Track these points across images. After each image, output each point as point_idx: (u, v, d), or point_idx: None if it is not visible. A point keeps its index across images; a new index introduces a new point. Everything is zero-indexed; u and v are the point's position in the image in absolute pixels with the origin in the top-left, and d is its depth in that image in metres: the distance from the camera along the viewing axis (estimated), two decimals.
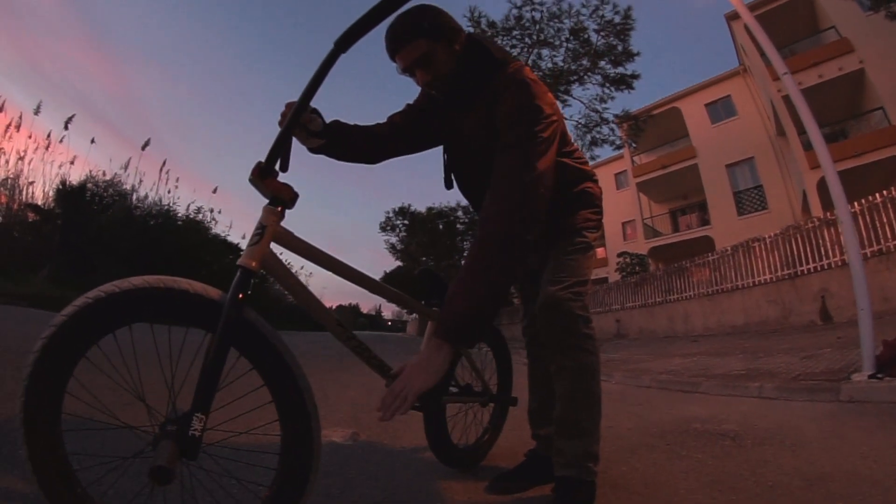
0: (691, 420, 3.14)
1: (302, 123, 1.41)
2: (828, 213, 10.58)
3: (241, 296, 1.06)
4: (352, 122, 1.67)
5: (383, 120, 1.79)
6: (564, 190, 1.68)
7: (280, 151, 1.18)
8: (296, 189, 1.19)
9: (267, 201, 1.17)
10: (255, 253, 1.11)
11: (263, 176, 1.15)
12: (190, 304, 1.03)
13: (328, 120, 1.55)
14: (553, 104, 1.44)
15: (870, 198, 9.31)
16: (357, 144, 1.64)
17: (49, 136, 12.01)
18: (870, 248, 8.89)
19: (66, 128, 12.22)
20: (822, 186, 14.31)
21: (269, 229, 1.14)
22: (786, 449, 2.33)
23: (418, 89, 1.66)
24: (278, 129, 1.25)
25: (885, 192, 9.12)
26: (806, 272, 10.55)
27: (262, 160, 1.16)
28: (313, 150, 1.54)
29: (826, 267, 10.10)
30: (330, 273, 1.39)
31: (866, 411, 3.11)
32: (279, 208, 1.17)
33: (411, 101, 1.81)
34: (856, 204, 9.12)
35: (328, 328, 1.35)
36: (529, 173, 1.29)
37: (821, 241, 10.29)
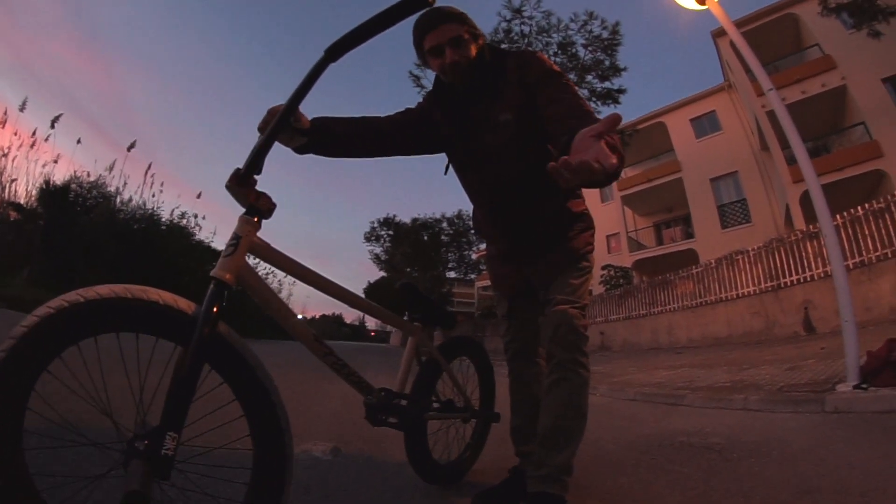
0: (677, 433, 3.11)
1: (289, 122, 1.36)
2: (810, 226, 10.75)
3: (215, 309, 1.02)
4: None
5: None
6: (568, 200, 1.74)
7: (261, 158, 1.14)
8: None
9: (243, 210, 1.14)
10: (230, 265, 1.07)
11: (241, 183, 1.11)
12: (161, 317, 0.99)
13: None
14: None
15: (852, 210, 9.49)
16: (347, 138, 1.58)
17: (35, 133, 11.70)
18: (852, 260, 9.04)
19: (52, 126, 11.88)
20: (805, 200, 14.54)
21: (244, 240, 1.10)
22: (772, 462, 2.31)
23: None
24: (258, 136, 1.22)
25: (866, 205, 9.30)
26: (789, 284, 10.69)
27: (241, 166, 1.13)
28: (299, 149, 1.48)
29: (809, 279, 10.24)
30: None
31: (852, 422, 3.10)
32: (255, 218, 1.13)
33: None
34: (838, 216, 9.28)
35: (305, 344, 1.33)
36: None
37: (804, 254, 10.45)
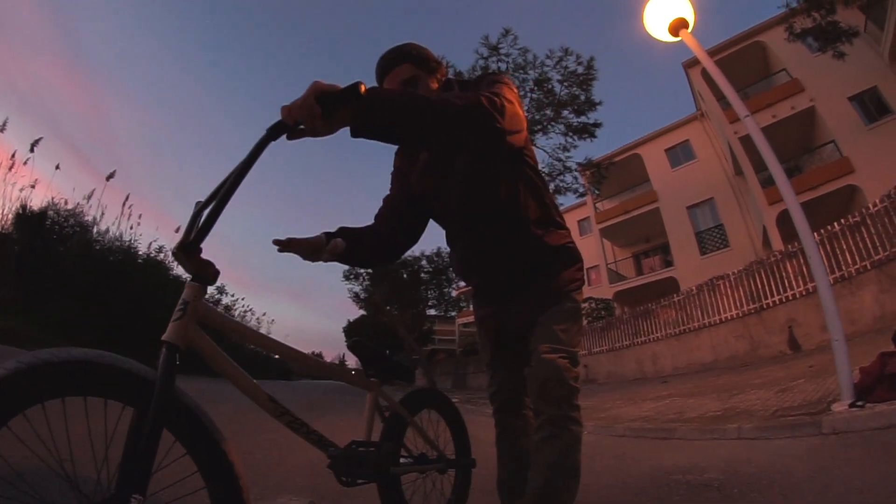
0: (672, 471, 2.96)
1: (326, 250, 1.47)
2: (789, 246, 10.89)
3: (170, 373, 1.05)
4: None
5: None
6: (545, 233, 1.62)
7: (207, 230, 1.15)
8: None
9: (190, 277, 1.17)
10: (180, 329, 1.10)
11: (188, 252, 1.14)
12: (119, 381, 1.00)
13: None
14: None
15: (829, 227, 9.68)
16: (366, 250, 1.62)
17: (14, 155, 11.32)
18: (832, 275, 9.12)
19: (31, 150, 11.48)
20: (782, 220, 14.86)
21: (191, 305, 1.13)
22: (775, 495, 2.19)
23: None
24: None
25: (843, 221, 9.49)
26: (771, 304, 10.79)
27: (188, 236, 1.14)
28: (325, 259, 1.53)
29: (791, 298, 10.35)
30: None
31: (852, 442, 2.99)
32: (201, 285, 1.17)
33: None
34: (815, 234, 9.39)
35: (260, 405, 1.31)
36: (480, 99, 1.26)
37: (784, 274, 10.57)
